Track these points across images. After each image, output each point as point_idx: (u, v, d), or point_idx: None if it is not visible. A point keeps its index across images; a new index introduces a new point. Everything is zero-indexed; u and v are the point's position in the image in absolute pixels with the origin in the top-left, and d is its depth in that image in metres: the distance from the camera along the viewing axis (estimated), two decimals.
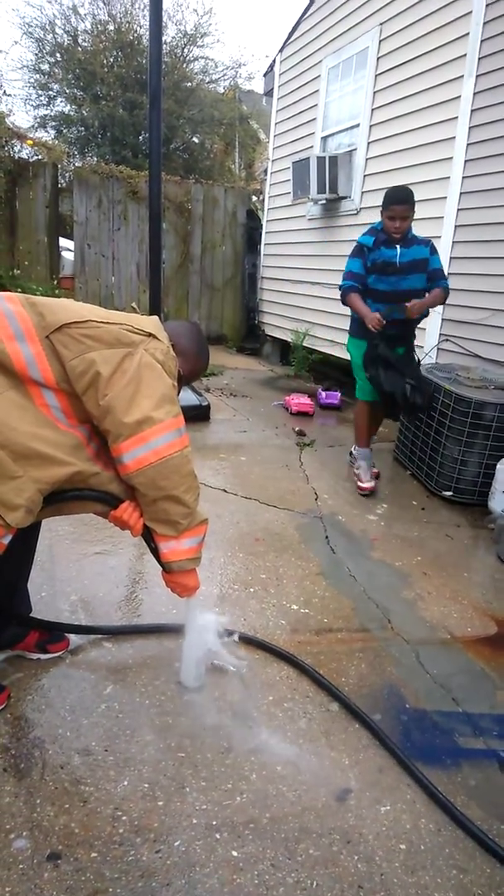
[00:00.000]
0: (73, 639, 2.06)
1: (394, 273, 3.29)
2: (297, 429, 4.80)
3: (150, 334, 1.55)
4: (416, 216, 3.36)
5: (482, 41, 4.04)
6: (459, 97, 4.22)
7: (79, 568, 2.53)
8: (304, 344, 6.63)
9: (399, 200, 3.19)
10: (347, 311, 3.54)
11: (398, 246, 3.28)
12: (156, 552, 1.70)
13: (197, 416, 4.71)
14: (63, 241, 8.07)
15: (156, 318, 1.68)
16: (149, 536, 1.68)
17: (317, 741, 1.74)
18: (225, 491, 3.49)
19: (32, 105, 11.85)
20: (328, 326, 6.06)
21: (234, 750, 1.68)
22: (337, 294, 3.54)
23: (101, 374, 1.44)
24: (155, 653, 2.06)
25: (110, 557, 2.64)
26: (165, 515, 1.60)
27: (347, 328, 3.64)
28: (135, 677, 1.94)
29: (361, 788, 1.60)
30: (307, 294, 6.57)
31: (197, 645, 1.87)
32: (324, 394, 5.59)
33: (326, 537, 3.04)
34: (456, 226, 4.32)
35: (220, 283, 8.30)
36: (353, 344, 3.50)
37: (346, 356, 4.01)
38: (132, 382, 1.46)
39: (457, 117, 4.26)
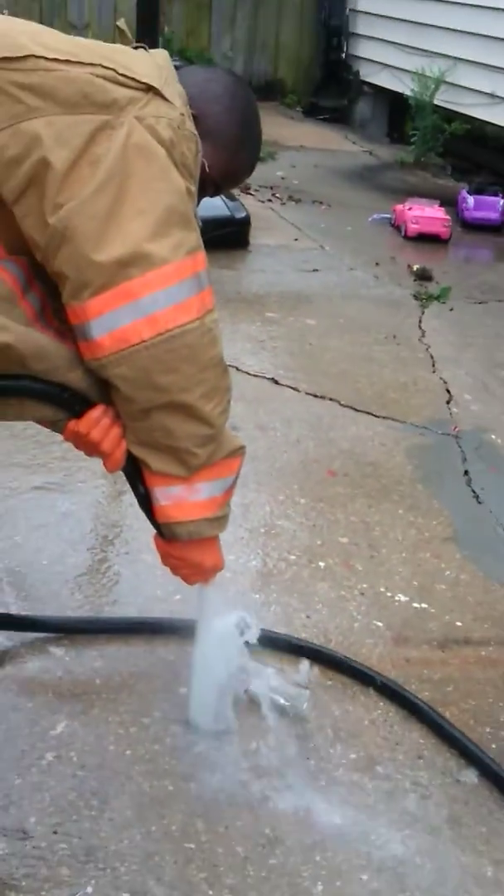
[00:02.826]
0: None
1: None
2: (416, 267, 4.63)
3: (148, 88, 1.42)
4: None
5: None
6: None
7: (5, 513, 2.52)
8: (437, 101, 6.27)
9: None
10: None
11: None
12: (147, 503, 1.60)
13: (226, 238, 4.43)
14: None
15: (163, 54, 1.56)
16: (135, 474, 1.57)
17: (437, 834, 1.73)
18: (276, 382, 3.36)
19: None
20: (489, 67, 5.30)
21: (283, 843, 1.67)
22: None
23: (52, 165, 1.32)
24: (143, 668, 2.04)
25: (62, 496, 2.61)
26: (167, 439, 1.49)
27: None
28: (106, 709, 1.93)
29: None
30: None
31: (218, 660, 1.84)
32: (471, 200, 5.30)
33: (466, 473, 2.99)
34: None
35: None
36: None
37: None
38: (111, 183, 1.35)
39: None
